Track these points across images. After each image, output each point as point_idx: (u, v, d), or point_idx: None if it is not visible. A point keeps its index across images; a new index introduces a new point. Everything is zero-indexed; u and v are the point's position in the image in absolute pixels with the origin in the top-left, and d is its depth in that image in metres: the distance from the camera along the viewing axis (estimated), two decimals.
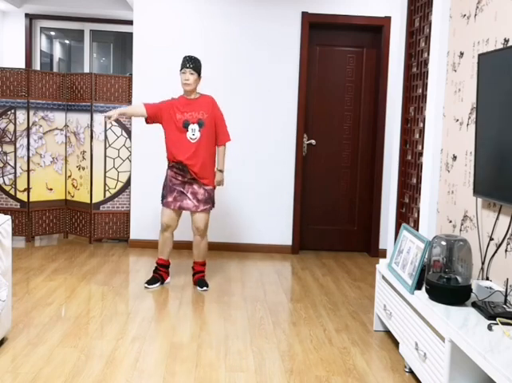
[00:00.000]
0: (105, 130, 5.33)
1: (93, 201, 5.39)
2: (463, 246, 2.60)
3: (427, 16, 3.63)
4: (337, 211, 5.54)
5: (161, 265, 4.20)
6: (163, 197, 4.09)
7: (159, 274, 4.19)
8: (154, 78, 5.24)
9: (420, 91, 3.72)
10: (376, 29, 5.35)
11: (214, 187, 4.12)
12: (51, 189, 5.50)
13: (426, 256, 2.75)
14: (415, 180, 3.77)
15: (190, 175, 4.01)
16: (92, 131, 5.31)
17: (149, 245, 5.26)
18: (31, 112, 5.29)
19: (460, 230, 3.05)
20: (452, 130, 3.19)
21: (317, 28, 5.31)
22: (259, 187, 5.37)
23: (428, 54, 3.54)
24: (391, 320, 3.11)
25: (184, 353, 3.00)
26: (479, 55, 2.68)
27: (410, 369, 2.85)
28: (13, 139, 5.29)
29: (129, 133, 5.38)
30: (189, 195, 4.03)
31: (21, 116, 5.28)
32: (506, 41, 2.61)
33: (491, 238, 2.70)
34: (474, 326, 2.24)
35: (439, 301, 2.55)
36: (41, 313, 3.49)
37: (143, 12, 5.23)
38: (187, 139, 3.97)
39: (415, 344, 2.67)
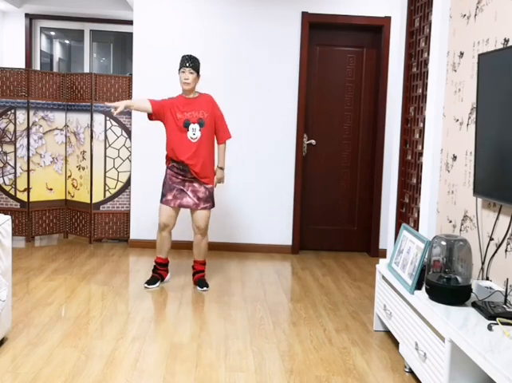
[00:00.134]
0: (105, 130, 5.34)
1: (93, 201, 5.39)
2: (463, 246, 2.60)
3: (427, 16, 3.63)
4: (337, 211, 5.54)
5: (160, 264, 4.20)
6: (163, 195, 4.09)
7: (159, 273, 4.19)
8: (154, 78, 5.24)
9: (420, 91, 3.72)
10: (376, 29, 5.35)
11: (215, 185, 4.13)
12: (51, 189, 5.50)
13: (426, 256, 2.75)
14: (415, 180, 3.77)
15: (190, 175, 4.01)
16: (92, 131, 5.31)
17: (149, 245, 5.26)
18: (31, 112, 5.29)
19: (460, 230, 3.05)
20: (452, 130, 3.19)
21: (317, 28, 5.31)
22: (259, 187, 5.37)
23: (428, 54, 3.54)
24: (391, 320, 3.11)
25: (184, 353, 3.00)
26: (479, 55, 2.68)
27: (410, 369, 2.85)
28: (13, 139, 5.29)
29: (129, 133, 5.38)
30: (189, 193, 4.03)
31: (21, 116, 5.28)
32: (506, 41, 2.61)
33: (491, 238, 2.70)
34: (474, 326, 2.24)
35: (439, 301, 2.55)
36: (41, 313, 3.49)
37: (143, 12, 5.23)
38: (188, 138, 3.97)
39: (415, 344, 2.67)
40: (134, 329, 3.30)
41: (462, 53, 3.10)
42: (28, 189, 5.34)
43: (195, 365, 2.86)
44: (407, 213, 3.92)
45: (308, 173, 5.48)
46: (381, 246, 5.38)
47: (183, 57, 3.99)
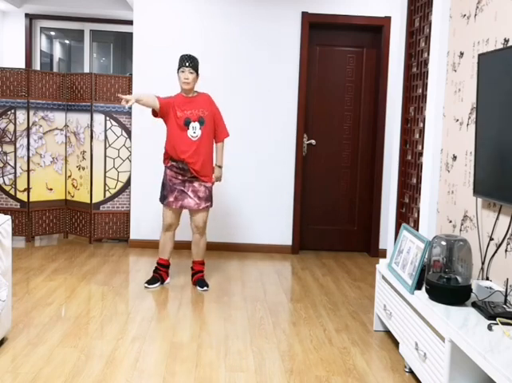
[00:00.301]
0: (105, 130, 5.34)
1: (93, 201, 5.39)
2: (463, 246, 2.60)
3: (427, 16, 3.63)
4: (337, 211, 5.54)
5: (161, 265, 4.20)
6: (164, 197, 4.08)
7: (159, 274, 4.19)
8: (154, 78, 5.24)
9: (420, 91, 3.72)
10: (376, 29, 5.35)
11: (213, 183, 4.13)
12: (51, 189, 5.50)
13: (426, 256, 2.75)
14: (415, 180, 3.77)
15: (190, 174, 4.01)
16: (92, 131, 5.31)
17: (149, 245, 5.26)
18: (31, 112, 5.29)
19: (460, 230, 3.05)
20: (452, 130, 3.19)
21: (317, 28, 5.31)
22: (259, 187, 5.37)
23: (428, 54, 3.54)
24: (391, 320, 3.11)
25: (184, 353, 3.00)
26: (479, 55, 2.68)
27: (410, 369, 2.85)
28: (13, 139, 5.29)
29: (129, 133, 5.38)
30: (190, 193, 4.03)
31: (21, 116, 5.28)
32: (506, 41, 2.61)
33: (491, 238, 2.70)
34: (474, 326, 2.24)
35: (439, 301, 2.55)
36: (41, 313, 3.49)
37: (143, 12, 5.23)
38: (188, 137, 3.97)
39: (415, 344, 2.67)
40: (134, 329, 3.30)
41: (462, 53, 3.10)
42: (28, 189, 5.34)
43: (195, 365, 2.86)
44: (407, 213, 3.92)
45: (308, 173, 5.48)
46: (381, 246, 5.38)
47: (182, 56, 3.98)
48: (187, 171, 4.01)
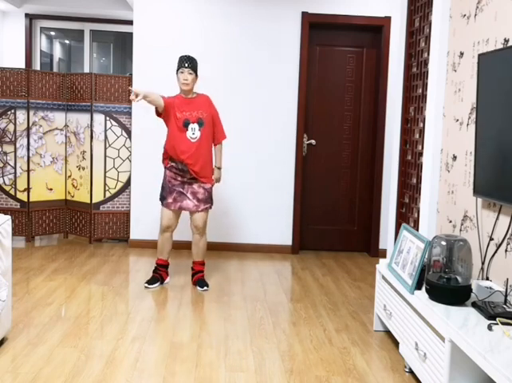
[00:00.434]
0: (105, 130, 5.34)
1: (93, 201, 5.39)
2: (463, 246, 2.60)
3: (427, 16, 3.63)
4: (337, 211, 5.54)
5: (161, 265, 4.20)
6: (163, 198, 4.08)
7: (159, 274, 4.19)
8: (154, 78, 5.24)
9: (420, 91, 3.72)
10: (376, 29, 5.35)
11: (213, 185, 4.13)
12: (51, 189, 5.50)
13: (426, 256, 2.75)
14: (415, 180, 3.77)
15: (189, 175, 4.01)
16: (92, 131, 5.31)
17: (149, 245, 5.26)
18: (31, 112, 5.29)
19: (460, 230, 3.05)
20: (452, 130, 3.19)
21: (317, 28, 5.31)
22: (259, 187, 5.37)
23: (428, 54, 3.54)
24: (391, 320, 3.11)
25: (184, 353, 3.00)
26: (479, 55, 2.68)
27: (410, 369, 2.85)
28: (13, 139, 5.29)
29: (129, 133, 5.38)
30: (189, 195, 4.03)
31: (21, 116, 5.28)
32: (506, 41, 2.61)
33: (491, 238, 2.70)
34: (474, 326, 2.24)
35: (439, 301, 2.55)
36: (41, 313, 3.49)
37: (143, 12, 5.23)
38: (187, 138, 3.97)
39: (415, 344, 2.67)
40: (134, 329, 3.30)
41: (462, 53, 3.10)
42: (28, 189, 5.34)
43: (195, 365, 2.86)
44: (407, 213, 3.92)
45: (308, 173, 5.48)
46: (381, 246, 5.38)
47: (182, 57, 3.98)
48: (187, 173, 4.01)
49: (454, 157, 3.15)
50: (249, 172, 5.36)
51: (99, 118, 5.32)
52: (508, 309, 2.32)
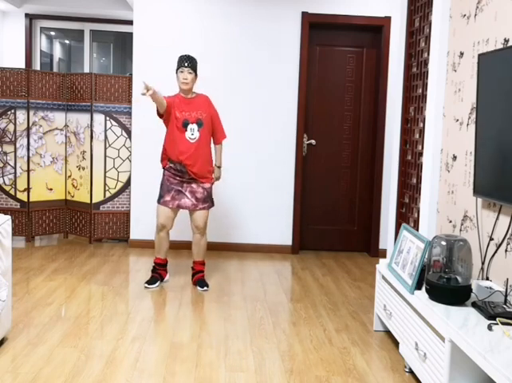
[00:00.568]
0: (105, 130, 5.34)
1: (93, 201, 5.39)
2: (463, 246, 2.60)
3: (427, 16, 3.63)
4: (337, 211, 5.54)
5: (159, 264, 4.20)
6: (161, 196, 4.08)
7: (158, 273, 4.19)
8: (154, 78, 5.23)
9: (420, 91, 3.72)
10: (376, 29, 5.35)
11: (212, 183, 4.13)
12: (51, 189, 5.50)
13: (426, 256, 2.75)
14: (415, 180, 3.77)
15: (188, 176, 4.01)
16: (92, 131, 5.31)
17: (149, 245, 5.26)
18: (31, 112, 5.29)
19: (460, 230, 3.05)
20: (452, 130, 3.19)
21: (317, 28, 5.31)
22: (259, 187, 5.37)
23: (428, 54, 3.54)
24: (391, 320, 3.11)
25: (184, 353, 3.00)
26: (479, 55, 2.68)
27: (410, 369, 2.85)
28: (13, 139, 5.29)
29: (129, 133, 5.38)
30: (187, 193, 4.03)
31: (21, 116, 5.28)
32: (506, 41, 2.61)
33: (491, 238, 2.70)
34: (474, 326, 2.24)
35: (439, 301, 2.55)
36: (41, 313, 3.49)
37: (143, 12, 5.23)
38: (186, 139, 3.97)
39: (415, 344, 2.67)
40: (134, 329, 3.30)
41: (462, 53, 3.10)
42: (28, 189, 5.34)
43: (195, 365, 2.86)
44: (407, 213, 3.92)
45: (308, 173, 5.48)
46: (381, 246, 5.38)
47: (181, 57, 3.98)
48: (185, 173, 4.00)
49: (454, 157, 3.15)
50: (249, 172, 5.36)
51: (99, 118, 5.32)
52: (508, 309, 2.32)
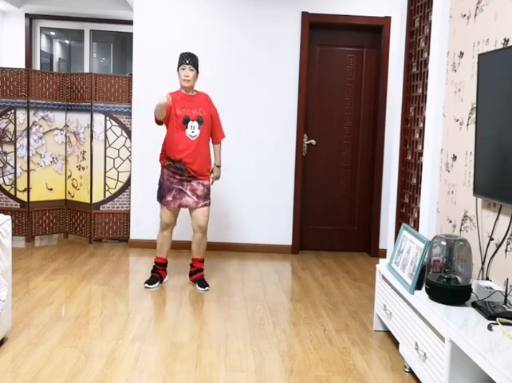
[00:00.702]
0: (105, 130, 5.34)
1: (93, 201, 5.39)
2: (463, 246, 2.60)
3: (427, 16, 3.63)
4: (337, 211, 5.54)
5: (159, 264, 4.20)
6: (162, 197, 4.08)
7: (158, 273, 4.19)
8: (154, 78, 5.24)
9: (420, 91, 3.72)
10: (376, 29, 5.35)
11: (212, 183, 4.14)
12: (51, 189, 5.50)
13: (426, 256, 2.75)
14: (415, 180, 3.77)
15: (188, 174, 4.01)
16: (92, 131, 5.31)
17: (149, 245, 5.26)
18: (31, 112, 5.29)
19: (460, 230, 3.05)
20: (452, 130, 3.19)
21: (317, 28, 5.31)
22: (259, 187, 5.37)
23: (428, 54, 3.54)
24: (391, 320, 3.11)
25: (184, 353, 3.00)
26: (479, 55, 2.68)
27: (410, 369, 2.85)
28: (13, 139, 5.29)
29: (129, 133, 5.38)
30: (188, 192, 4.03)
31: (21, 116, 5.28)
32: (506, 41, 2.61)
33: (491, 238, 2.70)
34: (474, 326, 2.24)
35: (439, 301, 2.55)
36: (41, 313, 3.49)
37: (143, 12, 5.23)
38: (187, 136, 3.97)
39: (415, 344, 2.67)
40: (134, 329, 3.30)
41: (462, 53, 3.10)
42: (28, 189, 5.34)
43: (195, 365, 2.86)
44: (407, 213, 3.92)
45: (308, 173, 5.48)
46: (381, 246, 5.38)
47: (183, 54, 3.98)
48: (185, 171, 4.01)
49: (454, 157, 3.15)
50: (249, 172, 5.36)
51: (99, 118, 5.32)
52: (508, 309, 2.32)
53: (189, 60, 3.94)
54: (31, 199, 5.37)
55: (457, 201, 3.10)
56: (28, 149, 5.31)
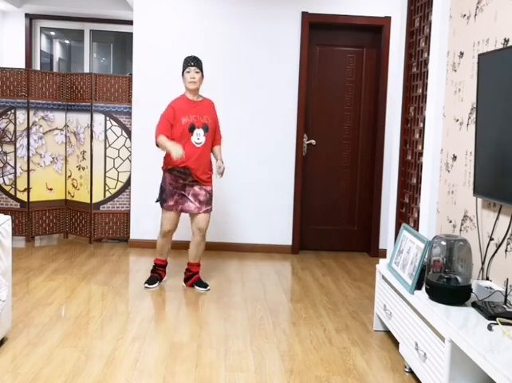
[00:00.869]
0: (105, 130, 5.34)
1: (93, 201, 5.39)
2: (463, 246, 2.60)
3: (427, 16, 3.63)
4: (337, 211, 5.54)
5: (160, 265, 4.20)
6: (164, 201, 4.05)
7: (158, 273, 4.19)
8: (154, 78, 5.24)
9: (420, 91, 3.72)
10: (376, 29, 5.35)
11: (221, 176, 4.08)
12: (51, 189, 5.50)
13: (426, 256, 2.75)
14: (415, 180, 3.77)
15: (191, 178, 3.99)
16: (92, 131, 5.31)
17: (149, 245, 5.26)
18: (31, 112, 5.29)
19: (460, 230, 3.05)
20: (452, 130, 3.19)
21: (317, 28, 5.31)
22: (259, 187, 5.37)
23: (428, 54, 3.54)
24: (391, 320, 3.11)
25: (184, 353, 3.00)
26: (479, 55, 2.68)
27: (410, 369, 2.85)
28: (13, 139, 5.29)
29: (129, 133, 5.38)
30: (190, 197, 4.01)
31: (21, 116, 5.28)
32: (506, 41, 2.61)
33: (491, 238, 2.70)
34: (474, 326, 2.24)
35: (439, 301, 2.55)
36: (41, 313, 3.49)
37: (143, 12, 5.23)
38: (192, 143, 3.93)
39: (415, 344, 2.67)
40: (134, 329, 3.30)
41: (462, 53, 3.10)
42: (28, 189, 5.34)
43: (195, 365, 2.86)
44: (407, 213, 3.92)
45: (308, 173, 5.48)
46: (381, 246, 5.38)
47: (187, 57, 3.96)
48: (189, 176, 3.98)
49: (454, 157, 3.15)
50: (249, 172, 5.36)
51: (99, 118, 5.32)
52: (508, 309, 2.32)
53: (194, 62, 3.92)
54: (31, 199, 5.37)
55: (457, 201, 3.10)
56: (28, 149, 5.31)
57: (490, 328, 2.18)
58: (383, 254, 5.13)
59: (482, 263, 2.76)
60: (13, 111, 5.28)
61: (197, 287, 4.14)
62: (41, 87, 5.33)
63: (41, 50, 6.96)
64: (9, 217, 3.00)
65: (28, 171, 5.33)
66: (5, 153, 5.30)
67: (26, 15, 6.68)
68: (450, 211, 3.18)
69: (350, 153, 5.49)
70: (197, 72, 3.92)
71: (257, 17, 5.24)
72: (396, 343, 3.21)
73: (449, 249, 2.60)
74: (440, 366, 2.35)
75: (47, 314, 3.47)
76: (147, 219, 5.32)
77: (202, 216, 4.05)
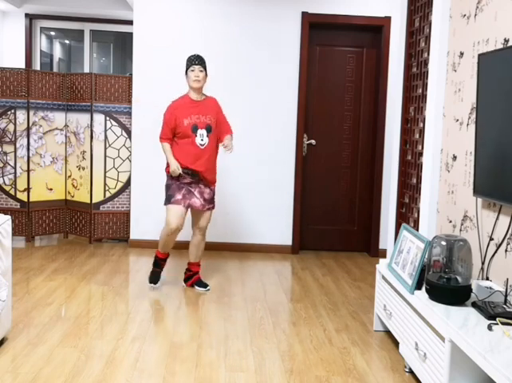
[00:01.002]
0: (105, 130, 5.34)
1: (93, 201, 5.39)
2: (463, 246, 2.60)
3: (427, 16, 3.63)
4: (337, 211, 5.54)
5: (163, 259, 4.16)
6: (171, 196, 3.97)
7: (161, 267, 4.15)
8: (154, 78, 5.24)
9: (420, 91, 3.72)
10: (376, 29, 5.35)
11: (230, 151, 4.04)
12: (51, 189, 5.50)
13: (426, 256, 2.75)
14: (415, 180, 3.77)
15: (198, 177, 3.98)
16: (92, 131, 5.31)
17: (149, 245, 5.26)
18: (31, 112, 5.29)
19: (460, 230, 3.05)
20: (452, 130, 3.19)
21: (317, 28, 5.31)
22: (259, 187, 5.37)
23: (428, 54, 3.54)
24: (391, 320, 3.11)
25: (184, 353, 3.00)
26: (479, 55, 2.68)
27: (410, 369, 2.85)
28: (13, 139, 5.29)
29: (129, 133, 5.38)
30: (196, 193, 4.00)
31: (21, 116, 5.28)
32: (506, 41, 2.61)
33: (491, 238, 2.70)
34: (474, 326, 2.24)
35: (439, 301, 2.55)
36: (41, 313, 3.49)
37: (143, 12, 5.23)
38: (196, 144, 3.91)
39: (415, 344, 2.67)
40: (134, 329, 3.30)
41: (462, 53, 3.10)
42: (28, 189, 5.34)
43: (195, 365, 2.86)
44: (407, 213, 3.92)
45: (308, 173, 5.48)
46: (381, 246, 5.38)
47: (191, 56, 3.95)
48: (196, 176, 3.97)
49: (454, 157, 3.15)
50: (249, 172, 5.36)
51: (99, 118, 5.32)
52: (508, 309, 2.32)
53: (198, 61, 3.92)
54: (31, 199, 5.37)
55: (457, 201, 3.10)
56: (28, 149, 5.31)
57: (490, 328, 2.18)
58: (383, 254, 5.13)
59: (482, 263, 2.76)
60: (13, 111, 5.28)
61: (197, 287, 4.14)
62: (41, 87, 5.33)
63: (41, 50, 6.96)
64: (9, 217, 3.00)
65: (28, 171, 5.33)
66: (5, 153, 5.30)
67: (26, 15, 6.68)
68: (450, 211, 3.18)
69: (350, 153, 5.49)
70: (201, 70, 3.92)
71: (257, 17, 5.24)
72: (396, 343, 3.21)
73: (449, 249, 2.60)
74: (440, 366, 2.35)
75: (47, 314, 3.47)
76: (147, 219, 5.32)
77: (205, 215, 4.05)
